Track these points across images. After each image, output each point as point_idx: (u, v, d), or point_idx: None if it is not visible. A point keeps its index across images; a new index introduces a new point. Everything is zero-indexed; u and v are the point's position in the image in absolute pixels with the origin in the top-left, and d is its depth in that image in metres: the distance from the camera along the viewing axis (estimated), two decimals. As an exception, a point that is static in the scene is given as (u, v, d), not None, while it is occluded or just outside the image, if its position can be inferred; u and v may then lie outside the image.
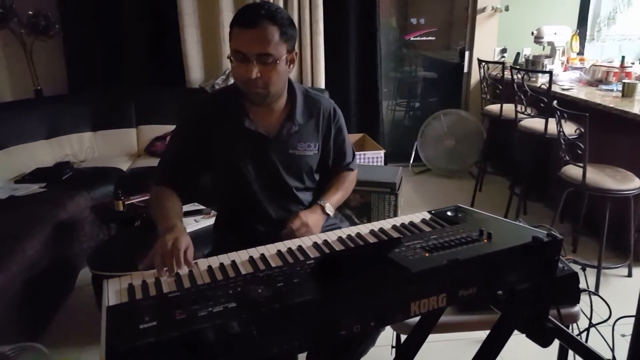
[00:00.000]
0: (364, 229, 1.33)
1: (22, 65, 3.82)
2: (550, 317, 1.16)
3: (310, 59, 4.11)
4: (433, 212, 1.37)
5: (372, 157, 3.85)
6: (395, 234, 1.27)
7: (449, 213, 1.35)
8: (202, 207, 2.63)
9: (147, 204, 2.70)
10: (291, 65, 1.54)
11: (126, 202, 2.73)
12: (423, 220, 1.34)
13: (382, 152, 3.89)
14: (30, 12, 3.69)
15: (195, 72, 4.08)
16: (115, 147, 3.80)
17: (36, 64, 3.85)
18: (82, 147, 3.72)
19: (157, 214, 1.48)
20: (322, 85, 4.14)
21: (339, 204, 1.74)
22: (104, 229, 3.03)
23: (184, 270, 1.15)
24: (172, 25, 3.97)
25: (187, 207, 2.61)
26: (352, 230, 1.32)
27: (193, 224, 2.48)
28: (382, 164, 3.89)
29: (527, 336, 1.17)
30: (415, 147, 4.83)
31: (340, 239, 1.27)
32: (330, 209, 1.66)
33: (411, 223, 1.33)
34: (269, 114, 1.61)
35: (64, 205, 2.78)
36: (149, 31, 4.05)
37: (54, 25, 3.76)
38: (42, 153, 3.54)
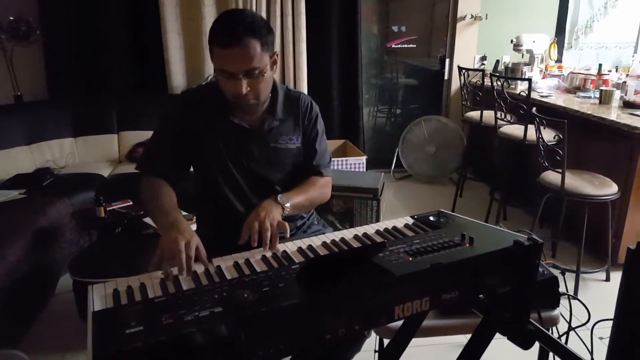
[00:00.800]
0: (348, 234, 1.34)
1: (2, 70, 3.77)
2: (531, 320, 1.18)
3: (293, 65, 4.13)
4: (416, 217, 1.39)
5: (354, 163, 3.87)
6: (379, 239, 1.29)
7: (431, 218, 1.36)
8: (184, 212, 2.61)
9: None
10: (274, 67, 1.55)
11: (108, 209, 2.71)
12: (406, 225, 1.36)
13: (363, 158, 3.92)
14: (11, 18, 3.65)
15: (178, 79, 4.07)
16: (96, 153, 3.77)
17: (16, 70, 3.81)
18: (63, 153, 3.69)
19: (153, 208, 1.48)
20: (305, 92, 4.16)
21: (299, 206, 1.62)
22: (84, 235, 3.00)
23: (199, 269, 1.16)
24: (154, 32, 3.96)
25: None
26: (336, 236, 1.33)
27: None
28: (364, 169, 3.92)
29: (508, 338, 1.19)
30: (396, 153, 4.87)
31: (324, 244, 1.27)
32: (284, 199, 1.51)
33: (394, 228, 1.34)
34: (259, 107, 1.62)
35: (45, 211, 2.75)
36: (131, 37, 4.03)
37: (35, 31, 3.72)
38: (22, 159, 3.50)
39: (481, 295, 1.24)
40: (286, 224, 1.38)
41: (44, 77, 3.99)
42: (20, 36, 3.66)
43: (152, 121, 3.73)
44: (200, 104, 1.63)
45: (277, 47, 4.05)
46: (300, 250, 1.24)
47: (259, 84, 1.48)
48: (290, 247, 1.26)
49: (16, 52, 3.75)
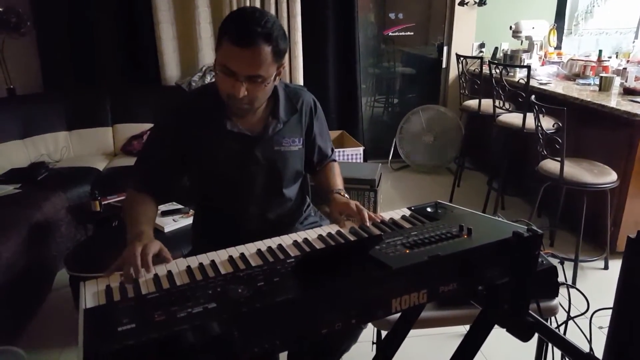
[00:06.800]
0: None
1: (-7, 63, 3.73)
2: (529, 311, 1.17)
3: (289, 55, 4.09)
4: (413, 208, 1.37)
5: (352, 154, 3.85)
6: (375, 231, 1.27)
7: (428, 209, 1.34)
8: (180, 206, 2.60)
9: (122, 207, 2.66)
10: (277, 78, 1.50)
11: (103, 202, 2.69)
12: (403, 217, 1.34)
13: (361, 149, 3.90)
14: (0, 9, 3.60)
15: (172, 70, 4.03)
16: (91, 147, 3.74)
17: (8, 62, 3.77)
18: (58, 146, 3.66)
19: (127, 220, 1.44)
20: (301, 82, 4.12)
21: None
22: (81, 229, 2.99)
23: (162, 271, 1.13)
24: (147, 22, 3.92)
25: (165, 207, 2.59)
26: (333, 228, 1.31)
27: (171, 224, 2.46)
28: (362, 160, 3.90)
29: (507, 331, 1.17)
30: (394, 144, 4.84)
31: (320, 237, 1.26)
32: (346, 193, 1.64)
33: (391, 220, 1.33)
34: (251, 113, 1.56)
35: (40, 206, 2.73)
36: (124, 28, 3.99)
37: (25, 22, 3.67)
38: (17, 153, 3.47)
39: (480, 287, 1.22)
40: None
41: (37, 69, 3.93)
42: (10, 28, 3.61)
43: (146, 113, 3.72)
44: (196, 112, 1.56)
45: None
46: (296, 243, 1.22)
47: (258, 91, 1.42)
48: (286, 240, 1.24)
49: (7, 44, 3.70)
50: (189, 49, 4.04)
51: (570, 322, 1.54)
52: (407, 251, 1.07)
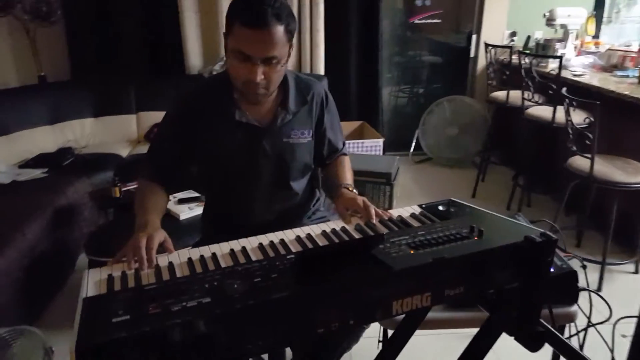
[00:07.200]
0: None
1: (26, 51, 3.80)
2: (541, 320, 1.10)
3: (310, 43, 4.04)
4: (424, 206, 1.32)
5: (371, 146, 3.78)
6: (382, 229, 1.23)
7: (440, 207, 1.30)
8: (197, 194, 2.61)
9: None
10: (288, 59, 1.47)
11: (123, 189, 2.73)
12: (412, 215, 1.29)
13: (381, 141, 3.82)
14: (33, -2, 3.66)
15: (195, 58, 4.04)
16: (115, 133, 3.80)
17: (40, 50, 3.84)
18: (84, 133, 3.72)
19: (137, 209, 1.45)
20: (322, 71, 4.08)
21: None
22: (102, 214, 3.04)
23: (164, 262, 1.13)
24: (172, 10, 3.93)
25: (182, 195, 2.61)
26: (338, 225, 1.28)
27: (187, 212, 2.47)
28: (381, 152, 3.83)
29: (515, 339, 1.11)
30: (416, 135, 4.72)
31: (324, 233, 1.23)
32: (354, 189, 1.59)
33: (399, 217, 1.29)
34: (261, 103, 1.54)
35: (64, 190, 2.80)
36: (149, 17, 4.02)
37: (55, 11, 3.72)
38: (45, 139, 3.55)
39: (491, 290, 1.17)
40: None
41: (66, 57, 4.01)
42: (42, 16, 3.67)
43: (169, 101, 3.74)
44: (206, 102, 1.55)
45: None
46: (298, 239, 1.20)
47: (273, 73, 1.40)
48: (289, 235, 1.22)
49: (39, 32, 3.76)
50: (211, 38, 4.03)
51: (592, 330, 1.47)
52: (412, 252, 1.03)
